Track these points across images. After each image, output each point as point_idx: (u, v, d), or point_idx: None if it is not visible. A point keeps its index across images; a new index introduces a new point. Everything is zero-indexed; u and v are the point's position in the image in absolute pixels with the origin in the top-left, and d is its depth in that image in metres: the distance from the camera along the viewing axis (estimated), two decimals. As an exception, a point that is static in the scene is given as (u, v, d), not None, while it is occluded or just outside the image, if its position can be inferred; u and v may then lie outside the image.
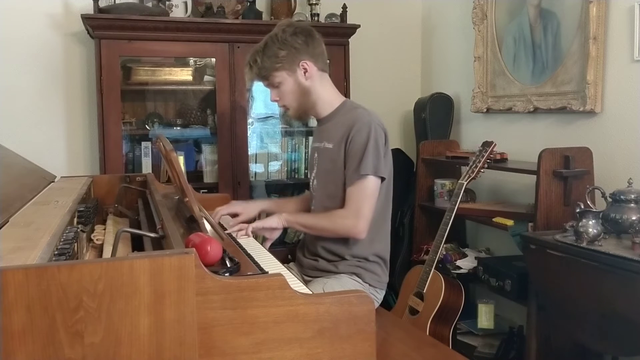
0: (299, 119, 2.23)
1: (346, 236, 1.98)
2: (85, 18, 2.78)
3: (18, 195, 1.51)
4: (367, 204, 1.93)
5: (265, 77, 2.02)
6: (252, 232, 1.97)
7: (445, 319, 2.43)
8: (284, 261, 2.09)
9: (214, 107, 3.06)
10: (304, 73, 2.01)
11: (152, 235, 1.39)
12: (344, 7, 3.20)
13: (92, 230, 1.66)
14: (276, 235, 2.06)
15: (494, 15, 2.96)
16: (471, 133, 3.25)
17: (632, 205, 1.91)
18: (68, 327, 0.93)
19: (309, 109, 2.08)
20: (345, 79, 3.14)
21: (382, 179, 1.97)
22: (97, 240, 1.57)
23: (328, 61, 2.12)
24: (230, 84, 3.01)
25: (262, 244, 1.99)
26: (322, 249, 2.05)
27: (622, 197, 1.93)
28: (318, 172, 2.11)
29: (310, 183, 2.16)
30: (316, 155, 2.13)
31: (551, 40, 2.59)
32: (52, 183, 1.98)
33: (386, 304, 2.33)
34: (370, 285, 2.02)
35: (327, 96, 2.08)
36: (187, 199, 1.65)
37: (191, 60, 3.20)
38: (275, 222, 2.00)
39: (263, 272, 1.39)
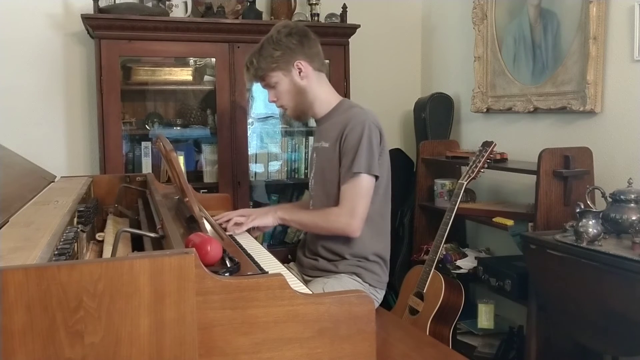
0: (297, 119, 2.25)
1: (340, 234, 1.99)
2: (85, 18, 2.78)
3: (18, 195, 1.51)
4: (361, 202, 1.94)
5: (262, 78, 2.06)
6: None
7: (445, 319, 2.43)
8: (284, 261, 2.10)
9: (214, 107, 3.06)
10: (299, 73, 2.03)
11: (152, 235, 1.39)
12: (344, 7, 3.20)
13: (93, 234, 1.66)
14: (268, 229, 2.12)
15: (494, 15, 2.96)
16: (471, 133, 3.25)
17: (632, 205, 1.91)
18: (68, 327, 0.93)
19: (307, 108, 2.09)
20: (345, 79, 3.14)
21: (376, 177, 1.98)
22: (99, 237, 1.57)
23: (328, 61, 2.12)
24: (230, 84, 3.01)
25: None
26: (322, 248, 2.05)
27: (622, 197, 1.93)
28: (316, 172, 2.12)
29: (309, 183, 2.18)
30: (314, 155, 2.14)
31: (551, 40, 2.60)
32: (52, 183, 1.98)
33: (386, 304, 2.33)
34: (370, 285, 2.02)
35: (324, 96, 2.09)
36: (187, 199, 1.65)
37: (191, 60, 3.20)
38: (271, 221, 2.05)
39: (263, 272, 1.39)
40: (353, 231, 1.95)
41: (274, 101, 2.10)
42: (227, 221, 2.01)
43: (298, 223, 2.09)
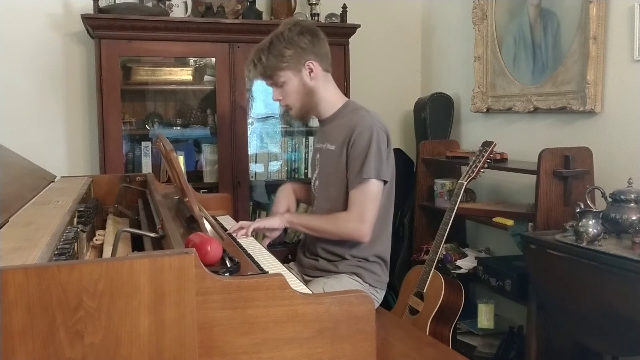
0: (301, 119, 2.21)
1: (349, 239, 1.97)
2: (85, 18, 2.78)
3: (18, 195, 1.51)
4: (370, 207, 1.93)
5: (270, 76, 2.00)
6: (253, 232, 1.96)
7: (445, 319, 2.43)
8: (284, 261, 2.09)
9: (214, 107, 3.06)
10: (309, 73, 1.99)
11: (152, 235, 1.39)
12: (344, 7, 3.20)
13: (93, 234, 1.66)
14: (276, 234, 2.06)
15: (494, 15, 2.96)
16: (471, 133, 3.25)
17: (632, 205, 1.91)
18: (68, 327, 0.93)
19: (312, 109, 2.07)
20: (345, 79, 3.14)
21: (385, 182, 1.97)
22: (96, 240, 1.57)
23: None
24: (230, 84, 3.01)
25: (260, 242, 1.99)
26: (322, 249, 2.04)
27: (622, 197, 1.93)
28: (320, 174, 2.10)
29: (312, 184, 2.15)
30: (318, 156, 2.12)
31: (551, 40, 2.60)
32: (52, 183, 1.98)
33: (386, 304, 2.33)
34: (370, 285, 2.02)
35: (330, 97, 2.06)
36: (187, 199, 1.65)
37: (191, 60, 3.20)
38: (277, 223, 2.00)
39: (263, 272, 1.39)
40: (362, 236, 1.94)
41: (279, 100, 2.05)
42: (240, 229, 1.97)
43: (306, 227, 2.03)
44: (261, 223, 1.99)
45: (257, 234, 2.07)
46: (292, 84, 2.00)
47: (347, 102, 2.09)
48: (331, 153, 2.03)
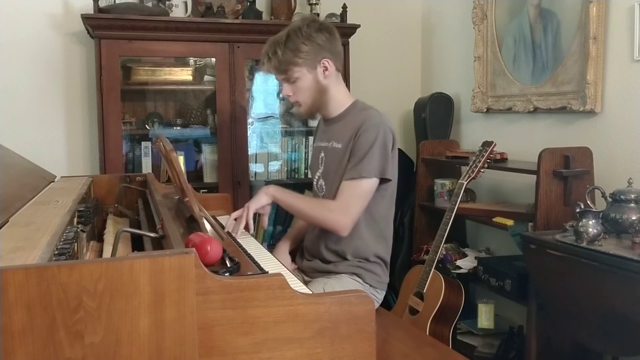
0: (308, 116, 2.19)
1: (329, 229, 1.96)
2: (85, 18, 2.78)
3: (18, 195, 1.51)
4: (358, 203, 1.92)
5: (284, 71, 1.98)
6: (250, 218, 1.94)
7: (445, 319, 2.43)
8: (284, 261, 2.09)
9: (214, 107, 3.06)
10: (324, 71, 1.98)
11: (152, 235, 1.39)
12: (344, 7, 3.20)
13: (93, 234, 1.66)
14: (268, 209, 2.02)
15: (494, 15, 2.96)
16: (471, 133, 3.25)
17: (632, 205, 1.91)
18: (68, 327, 0.93)
19: (321, 107, 2.06)
20: (345, 79, 3.13)
21: (388, 180, 1.96)
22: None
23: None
24: (230, 84, 3.01)
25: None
26: (325, 248, 2.03)
27: (622, 197, 1.93)
28: (325, 172, 2.08)
29: (315, 183, 2.13)
30: (322, 154, 2.10)
31: (551, 40, 2.60)
32: (52, 183, 1.98)
33: (386, 304, 2.33)
34: (370, 285, 2.01)
35: (340, 96, 2.05)
36: (187, 199, 1.65)
37: (191, 60, 3.20)
38: (265, 200, 1.97)
39: (263, 272, 1.39)
40: (342, 229, 1.92)
41: (288, 96, 2.03)
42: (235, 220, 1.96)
43: (288, 205, 2.01)
44: (254, 205, 1.95)
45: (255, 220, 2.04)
46: (306, 80, 1.98)
47: (355, 102, 2.08)
48: (337, 151, 2.02)
